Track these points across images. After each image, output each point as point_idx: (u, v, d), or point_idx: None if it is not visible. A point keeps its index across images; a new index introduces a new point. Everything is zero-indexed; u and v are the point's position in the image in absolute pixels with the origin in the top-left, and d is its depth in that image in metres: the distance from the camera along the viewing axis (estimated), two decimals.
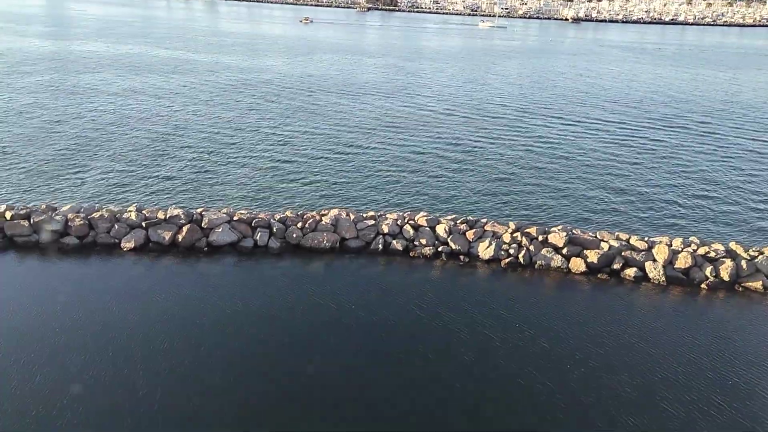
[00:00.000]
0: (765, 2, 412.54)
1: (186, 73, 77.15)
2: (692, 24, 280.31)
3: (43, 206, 29.71)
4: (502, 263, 28.41)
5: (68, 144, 43.16)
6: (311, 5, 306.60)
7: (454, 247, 29.20)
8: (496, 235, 29.87)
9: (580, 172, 42.66)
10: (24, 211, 28.80)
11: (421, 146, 47.23)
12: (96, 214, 29.00)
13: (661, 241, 29.41)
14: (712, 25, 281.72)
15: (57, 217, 28.44)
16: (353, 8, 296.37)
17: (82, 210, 29.54)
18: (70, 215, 28.75)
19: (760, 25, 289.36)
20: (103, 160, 40.13)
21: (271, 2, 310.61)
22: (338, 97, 65.82)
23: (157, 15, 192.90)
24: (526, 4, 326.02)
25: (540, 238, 29.49)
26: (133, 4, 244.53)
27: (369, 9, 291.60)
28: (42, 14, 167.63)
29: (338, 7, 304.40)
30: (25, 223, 28.06)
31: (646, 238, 29.99)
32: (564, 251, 28.70)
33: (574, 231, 30.36)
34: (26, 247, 27.42)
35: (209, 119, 52.68)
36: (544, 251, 28.66)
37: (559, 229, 30.13)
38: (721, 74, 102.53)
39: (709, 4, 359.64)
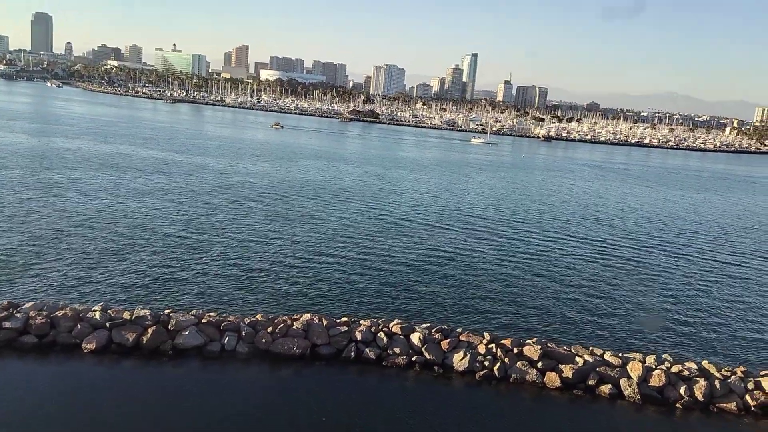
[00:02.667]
0: (724, 130, 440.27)
1: (163, 173, 77.98)
2: (656, 147, 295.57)
3: (5, 303, 28.68)
4: (477, 376, 27.75)
5: (36, 238, 42.45)
6: (295, 114, 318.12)
7: (428, 357, 28.58)
8: (471, 346, 29.40)
9: (554, 284, 42.95)
10: None
11: (397, 253, 47.44)
12: (59, 313, 28.02)
13: (635, 358, 29.19)
14: (675, 148, 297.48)
15: (18, 314, 27.39)
16: (336, 118, 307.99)
17: (45, 308, 28.56)
18: (31, 313, 27.73)
19: (719, 151, 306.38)
20: (72, 255, 39.39)
21: (256, 109, 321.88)
22: (316, 202, 66.70)
23: (143, 116, 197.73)
24: (499, 121, 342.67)
25: (515, 350, 29.09)
26: (120, 105, 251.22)
27: (351, 120, 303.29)
28: (29, 111, 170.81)
29: (322, 116, 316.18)
30: None
31: (620, 354, 29.75)
32: (539, 365, 28.24)
33: (548, 344, 30.07)
34: None
35: (184, 219, 52.65)
36: (519, 364, 28.17)
37: (533, 342, 29.81)
38: (687, 195, 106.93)
39: (672, 129, 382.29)
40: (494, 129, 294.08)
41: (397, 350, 28.76)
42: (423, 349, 28.89)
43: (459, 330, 31.00)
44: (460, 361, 28.37)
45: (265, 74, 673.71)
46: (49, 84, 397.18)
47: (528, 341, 30.06)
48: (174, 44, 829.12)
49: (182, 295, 34.49)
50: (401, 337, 29.60)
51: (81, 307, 29.23)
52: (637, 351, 31.07)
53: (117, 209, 53.87)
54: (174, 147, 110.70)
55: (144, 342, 27.27)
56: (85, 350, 26.51)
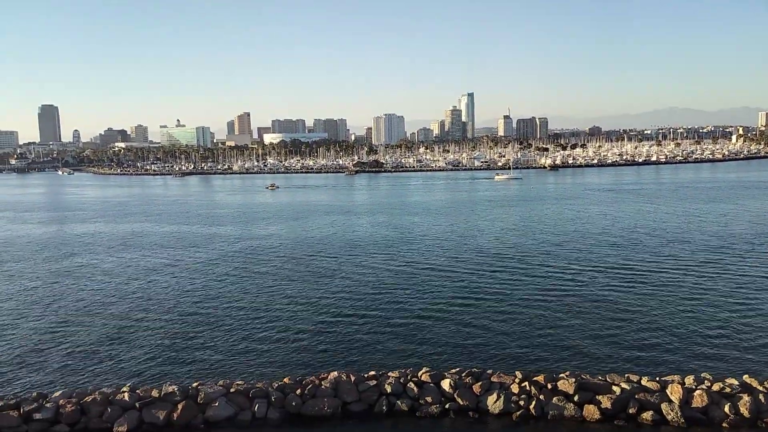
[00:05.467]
0: (730, 138, 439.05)
1: (176, 247, 78.74)
2: (665, 163, 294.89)
3: (34, 394, 28.70)
4: (513, 416, 27.15)
5: (60, 323, 42.70)
6: (302, 172, 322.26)
7: (461, 402, 28.06)
8: (503, 386, 28.85)
9: (581, 314, 42.36)
10: (14, 401, 27.77)
11: (417, 301, 47.19)
12: (88, 398, 27.96)
13: (673, 380, 28.47)
14: (684, 162, 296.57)
15: (48, 405, 27.37)
16: (342, 172, 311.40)
17: (74, 394, 28.53)
18: (61, 401, 27.70)
19: (729, 159, 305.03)
20: (96, 337, 39.50)
21: (263, 172, 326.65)
22: (329, 259, 66.84)
23: (153, 193, 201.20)
24: (504, 156, 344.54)
25: (549, 385, 28.50)
26: (131, 184, 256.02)
27: (357, 172, 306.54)
28: (42, 201, 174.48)
29: (328, 172, 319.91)
30: (15, 413, 26.92)
31: (657, 378, 29.04)
32: (575, 398, 27.60)
33: (583, 376, 29.45)
34: None
35: (200, 290, 52.87)
36: (555, 400, 27.56)
37: (567, 375, 29.23)
38: (705, 207, 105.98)
39: (678, 144, 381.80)
40: (499, 164, 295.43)
41: (429, 399, 28.29)
42: (455, 395, 28.40)
43: (489, 371, 30.48)
44: (494, 403, 27.82)
45: (269, 138, 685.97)
46: (60, 172, 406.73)
47: (561, 375, 29.47)
48: (178, 120, 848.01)
49: (208, 365, 34.36)
50: (432, 385, 29.15)
51: (109, 390, 29.16)
52: (675, 373, 30.31)
53: (133, 287, 54.23)
54: (185, 219, 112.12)
55: (175, 418, 27.06)
56: None
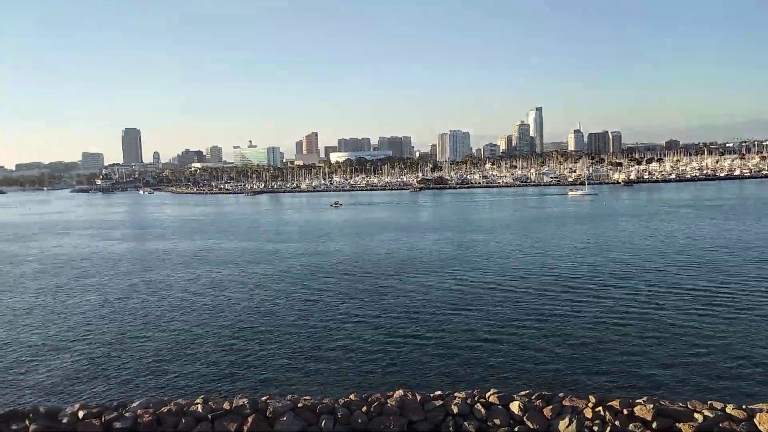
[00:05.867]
0: None
1: (246, 262, 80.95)
2: (749, 177, 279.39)
3: (115, 404, 29.98)
4: None
5: (139, 338, 44.57)
6: (367, 190, 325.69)
7: (531, 426, 27.21)
8: (576, 411, 27.79)
9: (656, 336, 40.46)
10: (96, 409, 29.09)
11: (483, 320, 46.45)
12: (164, 408, 28.92)
13: (762, 409, 26.61)
14: None
15: (126, 414, 28.52)
16: (406, 189, 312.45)
17: (151, 405, 29.60)
18: (139, 411, 28.78)
19: None
20: (171, 349, 40.97)
21: (329, 190, 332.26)
22: (392, 276, 66.93)
23: (227, 211, 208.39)
24: (574, 171, 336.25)
25: (625, 411, 27.21)
26: (206, 203, 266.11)
27: (421, 189, 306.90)
28: (125, 219, 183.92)
29: (392, 189, 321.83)
30: (97, 422, 28.17)
31: (743, 407, 27.23)
32: (654, 425, 26.22)
33: (661, 402, 27.98)
34: None
35: (267, 305, 53.98)
36: (631, 426, 26.26)
37: (644, 401, 27.85)
38: None
39: (763, 157, 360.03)
40: (569, 179, 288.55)
41: (497, 421, 27.61)
42: (524, 418, 27.58)
43: (561, 395, 29.47)
44: (566, 427, 26.82)
45: (335, 157, 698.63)
46: (141, 192, 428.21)
47: (638, 400, 28.10)
48: (250, 140, 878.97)
49: (274, 380, 34.95)
50: (500, 407, 28.46)
51: (184, 401, 30.09)
52: (762, 401, 28.35)
53: (204, 301, 55.97)
54: (254, 236, 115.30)
55: (245, 431, 27.57)
56: None
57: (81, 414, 28.63)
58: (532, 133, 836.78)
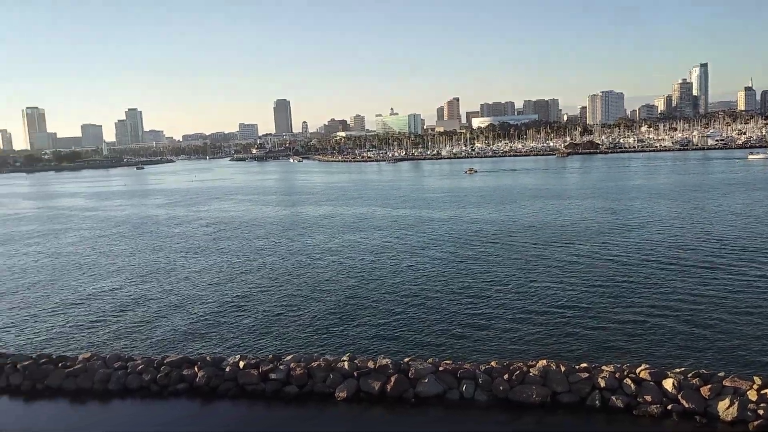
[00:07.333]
0: None
1: (389, 228, 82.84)
2: None
3: (270, 356, 32.55)
4: (750, 426, 23.94)
5: (293, 296, 47.74)
6: (510, 156, 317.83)
7: (686, 405, 25.50)
8: (738, 392, 25.56)
9: None
10: (254, 361, 31.82)
11: (634, 292, 43.87)
12: (314, 364, 30.91)
13: None
14: None
15: (281, 366, 30.87)
16: (552, 155, 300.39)
17: (302, 359, 31.76)
18: (292, 364, 31.02)
19: None
20: (320, 308, 43.47)
21: (471, 157, 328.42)
22: (537, 245, 65.12)
23: (369, 178, 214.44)
24: (744, 133, 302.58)
25: None
26: (350, 171, 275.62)
27: (568, 154, 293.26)
28: (278, 186, 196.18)
29: (537, 155, 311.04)
30: (254, 372, 30.83)
31: None
32: None
33: None
34: (254, 395, 29.83)
35: (414, 270, 55.01)
36: None
37: None
38: None
39: None
40: (739, 142, 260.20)
41: (648, 398, 26.19)
42: (679, 396, 25.88)
43: (721, 374, 27.20)
44: (726, 409, 24.79)
45: (477, 122, 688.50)
46: (291, 160, 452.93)
47: None
48: (391, 108, 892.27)
49: (417, 343, 35.81)
50: (651, 383, 26.92)
51: (332, 357, 31.93)
52: None
53: (356, 266, 58.38)
54: (396, 203, 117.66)
55: (388, 390, 28.71)
56: (338, 398, 28.75)
57: (241, 364, 31.51)
58: (695, 92, 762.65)
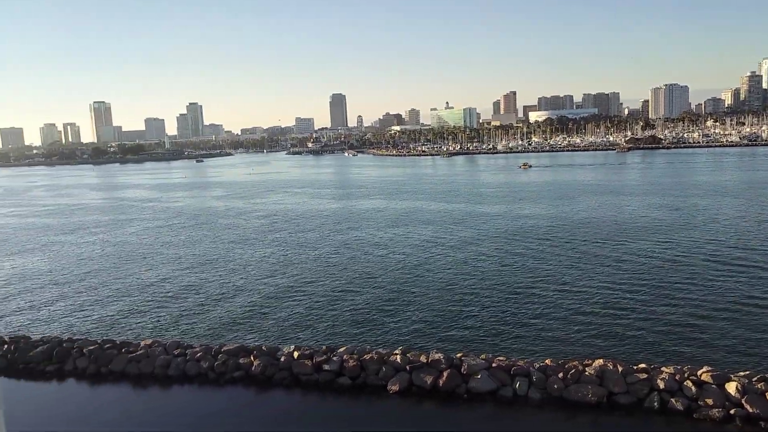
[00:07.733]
0: None
1: (440, 223, 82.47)
2: None
3: (324, 347, 33.10)
4: None
5: (343, 291, 48.29)
6: (568, 151, 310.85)
7: (751, 410, 24.54)
8: None
9: None
10: (308, 351, 32.43)
11: (694, 293, 42.35)
12: (367, 356, 31.26)
13: None
14: None
15: (334, 358, 31.36)
16: (612, 150, 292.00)
17: (355, 351, 32.17)
18: (345, 356, 31.46)
19: None
20: (369, 301, 43.83)
21: (527, 151, 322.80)
22: (593, 243, 63.62)
23: (423, 172, 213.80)
24: None
25: None
26: (404, 165, 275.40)
27: (629, 149, 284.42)
28: (333, 180, 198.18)
29: (596, 150, 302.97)
30: (309, 362, 31.43)
31: None
32: None
33: None
34: (308, 385, 30.42)
35: (463, 266, 54.69)
36: None
37: None
38: None
39: None
40: None
41: (709, 401, 25.32)
42: (743, 401, 24.93)
43: None
44: None
45: (534, 116, 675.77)
46: (346, 154, 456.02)
47: None
48: (446, 102, 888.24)
49: (467, 339, 35.66)
50: (713, 386, 26.01)
51: (384, 351, 32.20)
52: None
53: (405, 260, 58.51)
54: (449, 198, 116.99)
55: (440, 385, 28.75)
56: (391, 391, 28.99)
57: (296, 354, 32.18)
58: (764, 85, 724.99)
